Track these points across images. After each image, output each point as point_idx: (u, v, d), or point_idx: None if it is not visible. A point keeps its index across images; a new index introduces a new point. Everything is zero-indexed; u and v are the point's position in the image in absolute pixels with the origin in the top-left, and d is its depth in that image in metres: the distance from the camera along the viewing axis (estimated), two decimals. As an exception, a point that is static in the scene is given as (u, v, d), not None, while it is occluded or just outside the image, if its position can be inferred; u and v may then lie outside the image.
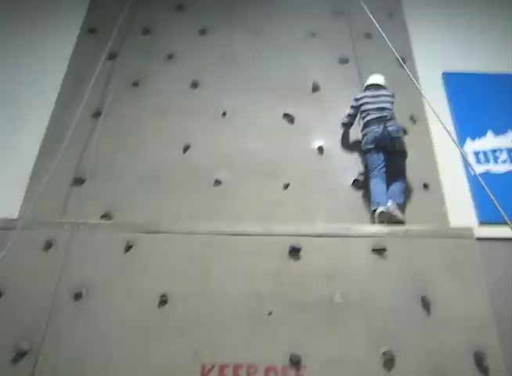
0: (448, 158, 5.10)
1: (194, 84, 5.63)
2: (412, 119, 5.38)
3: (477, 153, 5.19)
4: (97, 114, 5.33)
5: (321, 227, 4.47)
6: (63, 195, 4.77)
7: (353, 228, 4.46)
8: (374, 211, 4.53)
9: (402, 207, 4.61)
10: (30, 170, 4.94)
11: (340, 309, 4.03)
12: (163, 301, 4.04)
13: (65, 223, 4.44)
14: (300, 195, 4.82)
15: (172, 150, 5.09)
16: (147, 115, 5.38)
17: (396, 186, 4.67)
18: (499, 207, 3.99)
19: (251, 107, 5.48)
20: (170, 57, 5.90)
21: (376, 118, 4.81)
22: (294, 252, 4.26)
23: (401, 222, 4.48)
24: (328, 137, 5.25)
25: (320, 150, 5.12)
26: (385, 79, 5.23)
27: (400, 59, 5.04)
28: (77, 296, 4.05)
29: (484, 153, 5.20)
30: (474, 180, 4.87)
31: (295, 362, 3.78)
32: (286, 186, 4.85)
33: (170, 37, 6.13)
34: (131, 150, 5.09)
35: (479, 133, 5.34)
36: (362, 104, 4.99)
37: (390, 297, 4.09)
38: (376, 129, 4.75)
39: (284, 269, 4.23)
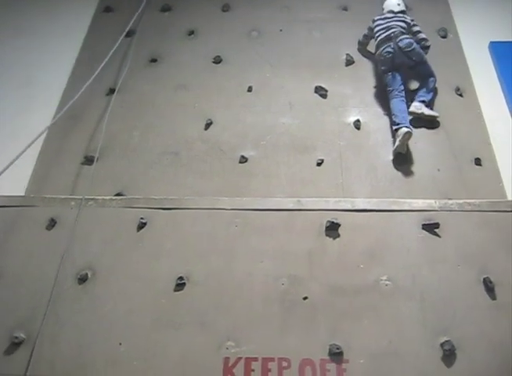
0: (501, 131, 4.55)
1: (217, 60, 5.16)
2: (459, 92, 4.81)
3: (534, 126, 4.58)
4: (112, 91, 4.90)
5: (362, 202, 3.92)
6: (72, 174, 4.31)
7: (399, 202, 3.91)
8: (396, 130, 4.30)
9: (429, 103, 4.59)
10: (40, 148, 4.48)
11: (388, 294, 3.48)
12: (180, 284, 3.54)
13: (71, 200, 3.98)
14: (336, 172, 4.26)
15: (193, 127, 4.61)
16: (166, 91, 4.93)
17: (424, 86, 4.65)
18: None
19: (279, 82, 4.98)
20: (191, 33, 5.47)
21: (385, 37, 4.75)
22: (332, 228, 3.72)
23: (432, 117, 4.48)
24: (365, 111, 4.72)
25: (357, 124, 4.57)
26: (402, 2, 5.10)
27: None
28: (82, 279, 3.58)
29: (543, 124, 4.58)
30: (533, 154, 4.34)
31: (336, 354, 3.23)
32: (320, 163, 4.29)
33: (190, 14, 5.71)
34: (148, 127, 4.63)
35: (535, 104, 4.73)
36: (375, 27, 4.95)
37: (446, 279, 3.54)
38: (388, 49, 4.68)
39: (321, 248, 3.71)
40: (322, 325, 3.35)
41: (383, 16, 4.97)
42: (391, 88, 4.57)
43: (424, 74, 4.70)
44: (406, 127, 4.22)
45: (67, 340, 3.32)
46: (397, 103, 4.46)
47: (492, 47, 5.25)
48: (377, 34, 4.86)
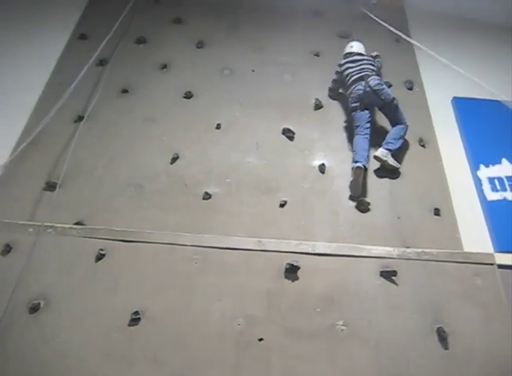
0: (461, 184, 4.71)
1: (188, 95, 5.20)
2: (422, 143, 4.95)
3: (491, 180, 4.73)
4: (80, 119, 4.85)
5: (322, 246, 3.96)
6: (33, 199, 4.21)
7: (358, 248, 3.96)
8: (352, 167, 4.47)
9: (395, 152, 4.64)
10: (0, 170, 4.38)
11: (343, 339, 3.51)
12: (135, 319, 3.49)
13: (30, 226, 3.89)
14: (298, 214, 4.30)
15: (159, 160, 4.60)
16: (135, 123, 4.92)
17: (392, 133, 4.74)
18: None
19: (248, 121, 5.04)
20: (164, 67, 5.50)
21: (358, 77, 4.92)
22: (292, 271, 3.74)
23: (393, 168, 4.58)
24: (331, 155, 4.80)
25: (321, 168, 4.64)
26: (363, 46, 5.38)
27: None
28: (34, 309, 3.49)
29: (500, 179, 4.75)
30: (489, 207, 4.53)
31: (288, 398, 3.18)
32: (283, 204, 4.33)
33: (165, 48, 5.75)
34: (113, 157, 4.59)
35: (493, 160, 4.92)
36: (344, 70, 5.10)
37: (401, 327, 3.59)
38: (359, 87, 4.84)
39: (279, 290, 3.72)
40: (276, 367, 3.35)
41: (351, 59, 5.13)
42: (357, 124, 4.74)
43: (394, 120, 4.84)
44: (359, 162, 4.38)
45: (13, 371, 3.22)
46: (359, 140, 4.63)
47: (454, 102, 5.45)
48: (349, 76, 5.01)
